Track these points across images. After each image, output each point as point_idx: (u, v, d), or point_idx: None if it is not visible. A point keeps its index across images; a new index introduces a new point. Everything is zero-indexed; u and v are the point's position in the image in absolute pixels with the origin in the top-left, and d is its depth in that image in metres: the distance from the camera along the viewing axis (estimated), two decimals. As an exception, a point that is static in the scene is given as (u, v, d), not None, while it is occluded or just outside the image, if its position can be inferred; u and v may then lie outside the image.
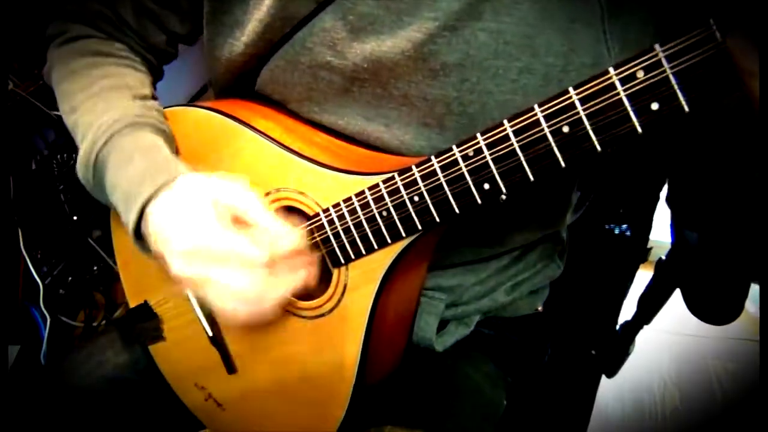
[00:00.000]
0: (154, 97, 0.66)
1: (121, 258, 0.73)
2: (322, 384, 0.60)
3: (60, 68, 0.65)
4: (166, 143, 0.59)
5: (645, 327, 0.87)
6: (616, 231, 0.87)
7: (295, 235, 0.52)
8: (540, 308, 0.78)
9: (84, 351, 0.74)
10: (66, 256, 1.37)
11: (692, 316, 0.76)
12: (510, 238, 0.66)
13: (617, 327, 0.89)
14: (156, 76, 0.72)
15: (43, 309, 1.28)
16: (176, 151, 0.62)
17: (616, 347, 0.87)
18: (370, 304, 0.55)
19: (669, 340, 1.70)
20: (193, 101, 0.83)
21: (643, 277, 0.86)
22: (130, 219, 0.54)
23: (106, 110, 0.59)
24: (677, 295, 0.79)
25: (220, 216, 0.51)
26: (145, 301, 0.71)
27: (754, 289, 0.74)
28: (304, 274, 0.53)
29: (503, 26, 0.50)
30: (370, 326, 0.56)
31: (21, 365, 1.28)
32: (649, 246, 0.87)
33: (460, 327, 0.71)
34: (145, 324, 0.71)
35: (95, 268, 1.40)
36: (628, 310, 0.89)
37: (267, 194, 0.58)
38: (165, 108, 0.65)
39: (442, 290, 0.67)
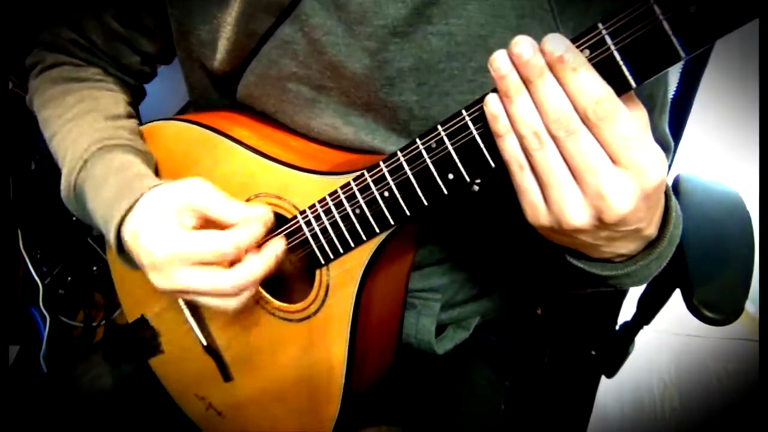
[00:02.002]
0: (130, 116, 0.68)
1: (116, 274, 0.74)
2: (313, 386, 0.61)
3: (39, 96, 0.68)
4: (137, 159, 0.61)
5: (645, 327, 0.87)
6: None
7: (259, 217, 0.51)
8: (539, 311, 0.78)
9: (80, 366, 0.76)
10: (66, 256, 1.37)
11: (692, 316, 0.75)
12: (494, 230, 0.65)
13: (617, 327, 0.89)
14: (136, 95, 0.74)
15: (43, 309, 1.28)
16: (154, 166, 0.64)
17: (616, 347, 0.87)
18: (352, 303, 0.55)
19: (669, 340, 1.69)
20: (184, 110, 0.84)
21: (642, 277, 0.86)
22: (110, 240, 0.56)
23: (80, 135, 0.62)
24: (677, 295, 0.79)
25: (181, 223, 0.52)
26: (142, 316, 0.72)
27: (754, 289, 0.74)
28: (274, 252, 0.53)
29: (453, 28, 0.50)
30: (354, 325, 0.56)
31: (21, 365, 1.28)
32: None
33: (459, 331, 0.71)
34: (143, 338, 0.72)
35: (95, 268, 1.40)
36: (628, 310, 0.89)
37: (247, 201, 0.59)
38: (147, 123, 0.67)
39: (436, 290, 0.67)
